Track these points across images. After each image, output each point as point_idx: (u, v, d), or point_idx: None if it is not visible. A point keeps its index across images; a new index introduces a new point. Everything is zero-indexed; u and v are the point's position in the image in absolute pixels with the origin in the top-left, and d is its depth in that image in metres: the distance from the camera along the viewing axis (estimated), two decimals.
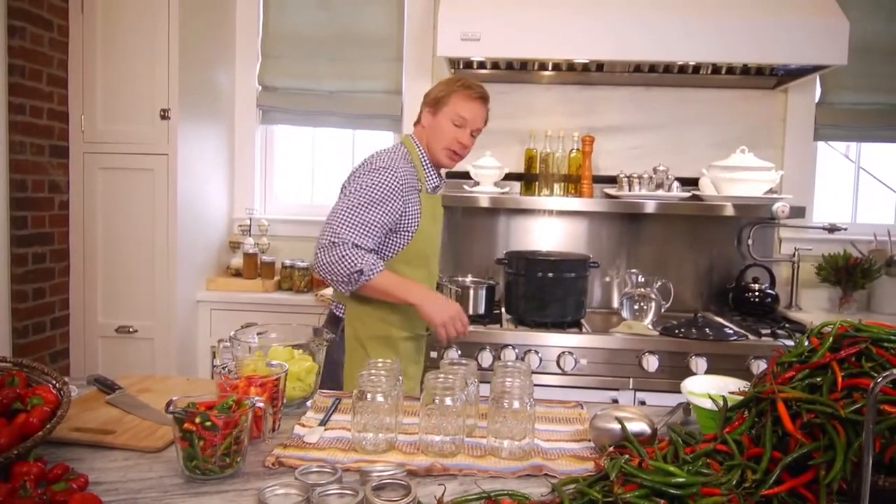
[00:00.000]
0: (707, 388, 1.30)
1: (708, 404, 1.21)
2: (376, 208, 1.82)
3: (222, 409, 1.08)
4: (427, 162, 2.01)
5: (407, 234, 1.91)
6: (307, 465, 1.08)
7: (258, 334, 1.52)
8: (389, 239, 1.91)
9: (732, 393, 1.20)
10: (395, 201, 1.85)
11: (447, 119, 1.95)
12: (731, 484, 0.94)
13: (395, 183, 1.85)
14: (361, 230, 1.80)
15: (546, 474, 1.11)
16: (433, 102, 1.99)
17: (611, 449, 1.12)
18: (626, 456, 1.00)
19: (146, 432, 1.21)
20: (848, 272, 2.80)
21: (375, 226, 1.83)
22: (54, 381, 1.15)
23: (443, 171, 2.10)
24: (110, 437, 1.18)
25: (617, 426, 1.17)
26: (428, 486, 1.06)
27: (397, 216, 1.87)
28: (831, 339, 1.05)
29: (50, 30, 2.60)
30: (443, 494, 0.96)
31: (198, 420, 1.03)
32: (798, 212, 2.66)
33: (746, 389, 1.21)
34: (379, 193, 1.83)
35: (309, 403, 1.43)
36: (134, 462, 1.12)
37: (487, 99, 2.01)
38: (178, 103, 2.65)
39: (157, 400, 1.37)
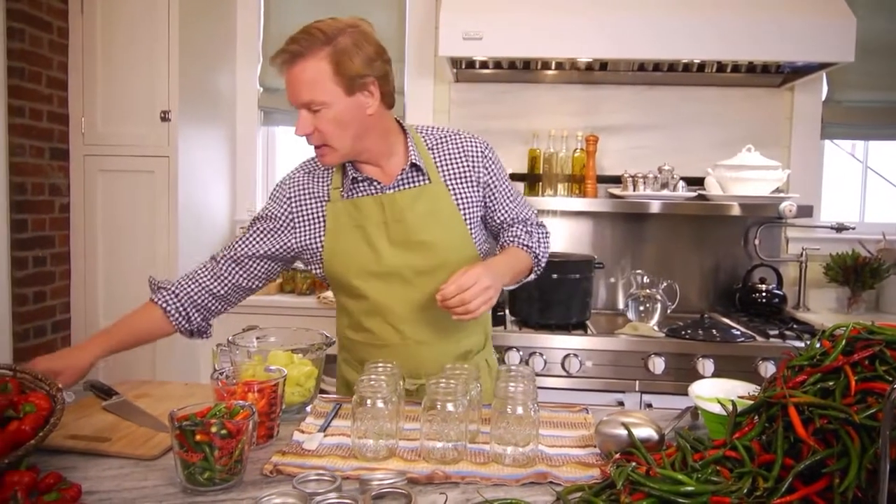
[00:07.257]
0: (715, 391, 1.27)
1: (716, 409, 1.18)
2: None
3: (214, 417, 1.05)
4: (347, 164, 1.56)
5: (316, 260, 1.56)
6: (306, 473, 1.05)
7: (257, 338, 1.50)
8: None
9: (741, 397, 1.17)
10: (259, 223, 1.60)
11: None
12: (742, 492, 0.91)
13: (270, 204, 1.63)
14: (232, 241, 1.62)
15: (550, 482, 1.08)
16: None
17: (617, 455, 1.09)
18: (634, 463, 0.98)
19: (142, 440, 1.19)
20: (856, 272, 2.76)
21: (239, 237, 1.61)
22: (48, 388, 1.12)
23: (393, 167, 1.55)
24: (105, 445, 1.16)
25: (623, 432, 1.14)
26: (429, 494, 1.03)
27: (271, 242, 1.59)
28: (844, 341, 1.02)
29: (49, 31, 2.58)
30: None
31: (213, 430, 1.00)
32: (805, 211, 2.63)
33: (755, 393, 1.18)
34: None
35: (308, 409, 1.40)
36: (129, 470, 1.09)
37: (295, 53, 1.40)
38: (179, 105, 2.63)
39: (155, 406, 1.35)
